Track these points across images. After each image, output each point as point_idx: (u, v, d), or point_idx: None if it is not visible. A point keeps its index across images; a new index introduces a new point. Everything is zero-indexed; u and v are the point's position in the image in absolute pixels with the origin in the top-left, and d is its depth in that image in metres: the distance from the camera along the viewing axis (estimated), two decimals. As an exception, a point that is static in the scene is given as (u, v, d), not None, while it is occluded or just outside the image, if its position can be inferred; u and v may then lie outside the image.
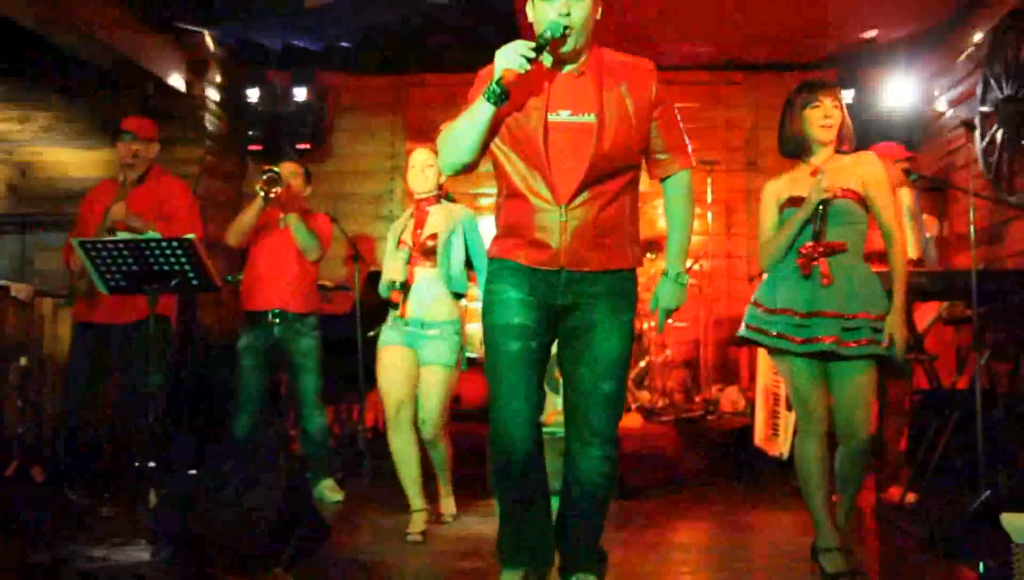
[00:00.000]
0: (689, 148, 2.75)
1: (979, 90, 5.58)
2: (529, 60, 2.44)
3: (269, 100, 7.00)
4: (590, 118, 2.56)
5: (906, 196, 4.44)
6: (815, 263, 3.16)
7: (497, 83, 2.47)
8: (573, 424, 2.71)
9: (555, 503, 2.78)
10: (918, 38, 6.53)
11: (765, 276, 3.35)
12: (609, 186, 2.61)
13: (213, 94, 6.82)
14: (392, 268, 4.03)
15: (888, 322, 3.09)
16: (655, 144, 2.68)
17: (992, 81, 5.41)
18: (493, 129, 2.61)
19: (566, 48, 2.56)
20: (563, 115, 2.58)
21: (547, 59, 2.62)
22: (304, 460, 4.92)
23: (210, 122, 6.77)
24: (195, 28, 6.49)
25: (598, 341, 2.65)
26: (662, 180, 2.76)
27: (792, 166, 3.39)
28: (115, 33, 5.65)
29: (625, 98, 2.58)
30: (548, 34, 2.47)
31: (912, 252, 4.23)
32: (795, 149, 3.34)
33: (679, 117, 2.72)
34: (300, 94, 7.01)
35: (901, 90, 6.68)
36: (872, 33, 6.45)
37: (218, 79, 6.86)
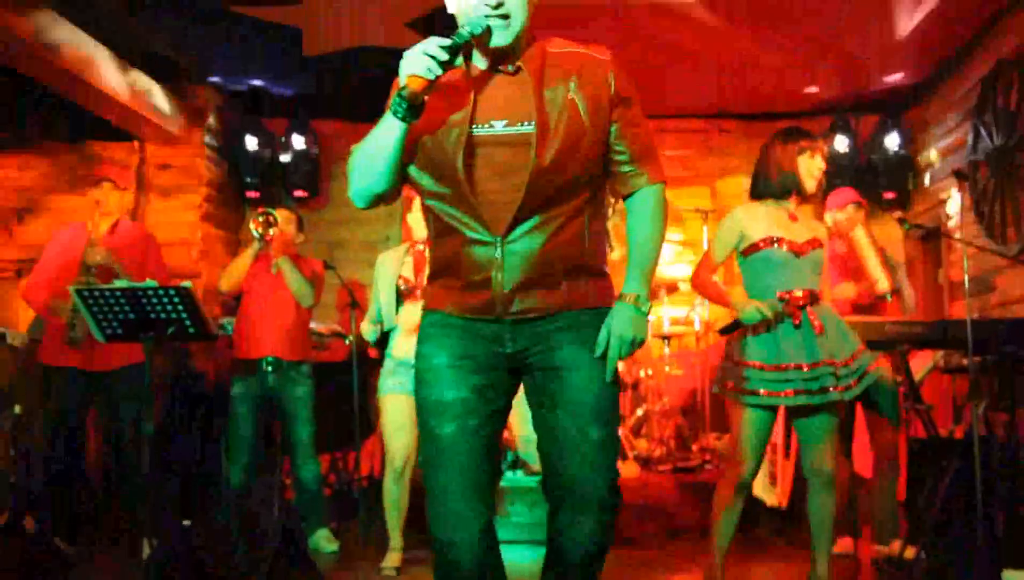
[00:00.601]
0: (658, 158, 2.26)
1: (970, 139, 5.64)
2: (442, 64, 1.95)
3: (266, 147, 7.05)
4: (528, 128, 2.04)
5: (861, 233, 4.51)
6: (806, 313, 3.23)
7: (401, 94, 1.98)
8: (558, 489, 2.13)
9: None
10: (909, 87, 6.62)
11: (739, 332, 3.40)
12: (559, 209, 2.08)
13: (211, 141, 6.86)
14: (385, 314, 4.09)
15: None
16: (616, 153, 2.17)
17: (983, 130, 5.47)
18: (410, 150, 2.10)
19: (497, 42, 2.05)
20: (496, 127, 2.06)
21: (475, 59, 2.14)
22: (299, 509, 4.88)
23: (207, 169, 6.80)
24: (194, 78, 6.55)
25: (574, 381, 2.11)
26: (625, 198, 2.25)
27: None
28: (113, 80, 5.69)
29: (574, 97, 2.07)
30: (467, 32, 2.00)
31: (885, 283, 4.26)
32: (776, 190, 3.40)
33: (644, 120, 2.22)
34: (297, 142, 7.06)
35: (893, 139, 6.75)
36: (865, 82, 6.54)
37: (216, 126, 6.91)
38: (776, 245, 3.31)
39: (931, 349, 4.67)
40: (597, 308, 2.15)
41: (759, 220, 3.37)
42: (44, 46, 5.02)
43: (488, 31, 2.03)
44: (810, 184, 3.36)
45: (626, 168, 2.20)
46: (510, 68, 2.10)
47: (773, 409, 3.35)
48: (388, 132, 2.04)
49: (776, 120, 7.28)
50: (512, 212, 2.04)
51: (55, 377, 4.54)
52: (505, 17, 2.04)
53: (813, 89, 6.77)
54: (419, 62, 1.95)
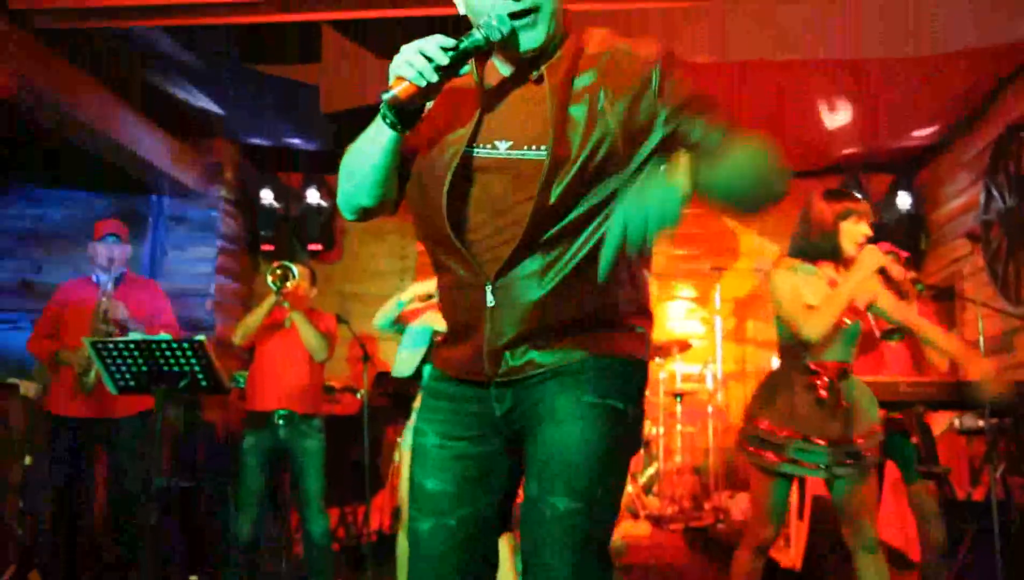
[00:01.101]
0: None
1: (982, 200, 5.66)
2: (440, 70, 1.57)
3: (281, 201, 7.12)
4: (537, 154, 1.64)
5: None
6: (836, 388, 3.18)
7: (388, 102, 1.61)
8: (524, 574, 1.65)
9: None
10: (921, 148, 6.66)
11: (765, 399, 3.29)
12: (571, 247, 1.66)
13: (227, 194, 6.94)
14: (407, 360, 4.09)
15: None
16: (686, 133, 1.69)
17: (995, 191, 5.49)
18: (406, 162, 1.75)
19: (526, 45, 1.66)
20: (500, 148, 1.67)
21: (497, 64, 1.76)
22: (307, 564, 4.83)
23: (223, 222, 6.87)
24: (212, 132, 6.65)
25: (546, 437, 1.64)
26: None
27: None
28: (131, 135, 5.79)
29: (606, 112, 1.64)
30: (481, 35, 1.61)
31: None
32: (816, 252, 3.28)
33: (715, 105, 1.75)
34: (312, 196, 7.13)
35: (904, 198, 6.77)
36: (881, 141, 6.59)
37: (232, 180, 6.99)
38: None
39: (946, 410, 4.62)
40: (602, 355, 1.69)
41: (799, 289, 3.21)
42: (66, 99, 5.12)
43: (513, 33, 1.64)
44: (851, 250, 3.20)
45: (709, 137, 1.70)
46: (533, 75, 1.70)
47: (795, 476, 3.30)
48: (376, 139, 1.68)
49: (792, 177, 7.33)
50: (507, 252, 1.64)
51: (62, 426, 4.53)
52: (532, 12, 1.63)
53: (826, 148, 6.82)
54: (411, 63, 1.57)
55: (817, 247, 3.27)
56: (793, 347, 3.26)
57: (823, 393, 3.13)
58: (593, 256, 1.64)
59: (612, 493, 1.68)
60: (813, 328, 3.07)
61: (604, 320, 1.70)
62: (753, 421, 3.27)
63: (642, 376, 1.75)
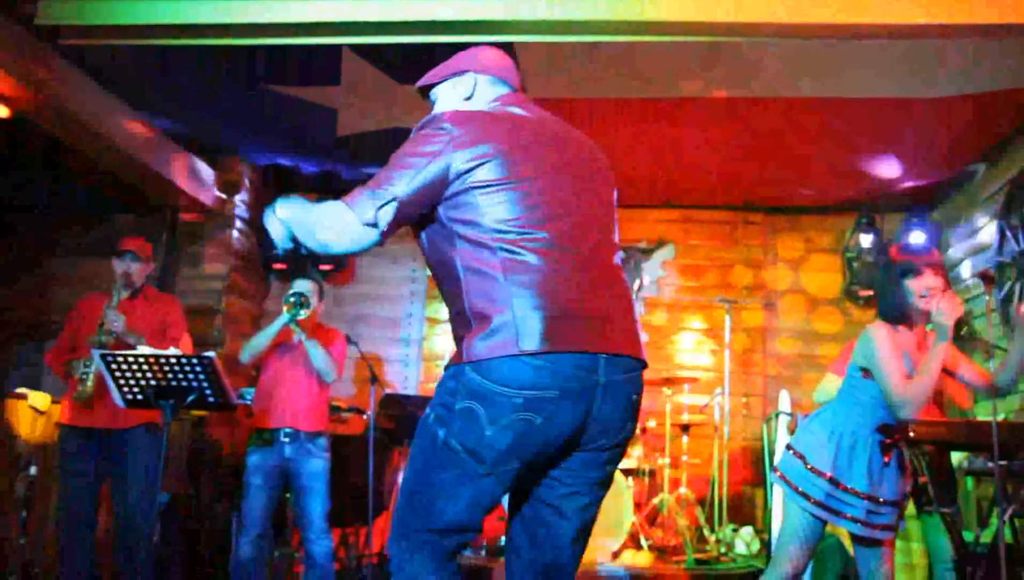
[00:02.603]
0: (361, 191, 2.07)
1: (995, 240, 5.65)
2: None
3: (296, 221, 7.14)
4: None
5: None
6: (899, 450, 3.19)
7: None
8: None
9: None
10: (937, 186, 6.66)
11: (822, 436, 3.27)
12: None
13: (242, 213, 6.98)
14: None
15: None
16: None
17: (1008, 233, 5.48)
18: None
19: None
20: None
21: None
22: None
23: (237, 240, 6.91)
24: (229, 151, 6.70)
25: None
26: None
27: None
28: (146, 150, 5.84)
29: None
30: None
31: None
32: (899, 316, 3.25)
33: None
34: (326, 217, 7.15)
35: (920, 235, 6.76)
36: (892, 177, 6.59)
37: (248, 199, 7.04)
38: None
39: (955, 451, 4.59)
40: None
41: (897, 346, 3.17)
42: (87, 118, 5.17)
43: None
44: (921, 304, 3.17)
45: None
46: None
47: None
48: None
49: (801, 214, 7.37)
50: None
51: (70, 437, 4.54)
52: None
53: (839, 185, 6.83)
54: None
55: (899, 309, 3.24)
56: (859, 404, 3.27)
57: (887, 459, 3.17)
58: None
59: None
60: (913, 403, 3.06)
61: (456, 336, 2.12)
62: (803, 458, 3.26)
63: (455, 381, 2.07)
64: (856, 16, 4.05)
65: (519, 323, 1.97)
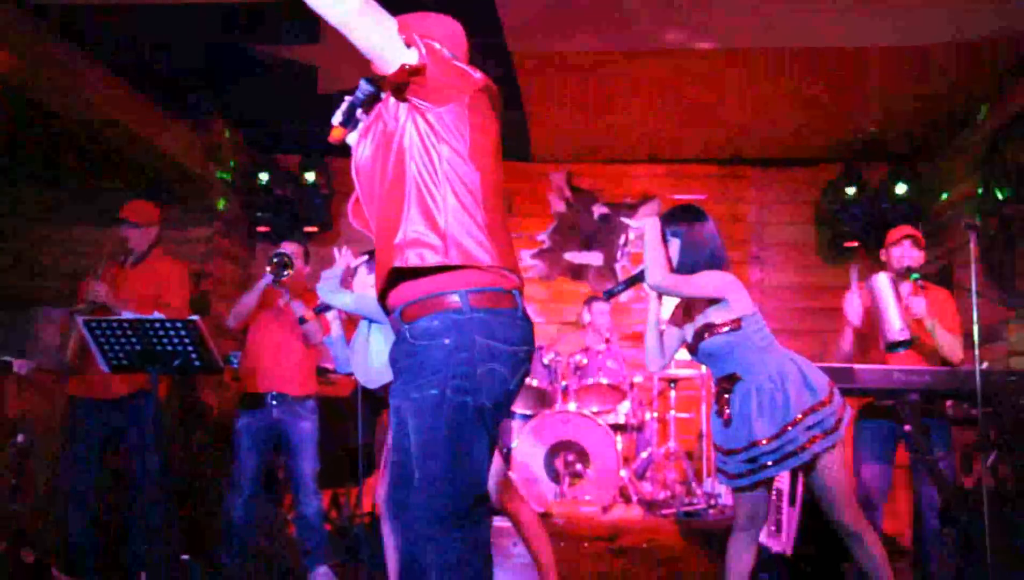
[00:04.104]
0: None
1: (980, 191, 5.65)
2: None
3: (279, 183, 7.09)
4: None
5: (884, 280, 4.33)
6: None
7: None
8: None
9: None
10: (920, 136, 6.65)
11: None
12: None
13: (224, 175, 6.91)
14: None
15: None
16: None
17: (993, 183, 5.48)
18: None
19: None
20: None
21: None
22: (300, 545, 4.84)
23: (220, 203, 6.85)
24: (210, 113, 6.61)
25: None
26: None
27: None
28: (130, 115, 5.76)
29: None
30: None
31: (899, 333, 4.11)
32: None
33: None
34: (309, 178, 7.11)
35: (904, 186, 6.76)
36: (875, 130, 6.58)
37: (230, 161, 6.96)
38: None
39: (939, 399, 4.63)
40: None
41: None
42: (66, 80, 5.09)
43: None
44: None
45: None
46: None
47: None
48: None
49: (789, 167, 7.35)
50: None
51: (74, 406, 4.56)
52: None
53: (824, 137, 6.82)
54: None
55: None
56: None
57: None
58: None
59: None
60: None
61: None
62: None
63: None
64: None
65: None
